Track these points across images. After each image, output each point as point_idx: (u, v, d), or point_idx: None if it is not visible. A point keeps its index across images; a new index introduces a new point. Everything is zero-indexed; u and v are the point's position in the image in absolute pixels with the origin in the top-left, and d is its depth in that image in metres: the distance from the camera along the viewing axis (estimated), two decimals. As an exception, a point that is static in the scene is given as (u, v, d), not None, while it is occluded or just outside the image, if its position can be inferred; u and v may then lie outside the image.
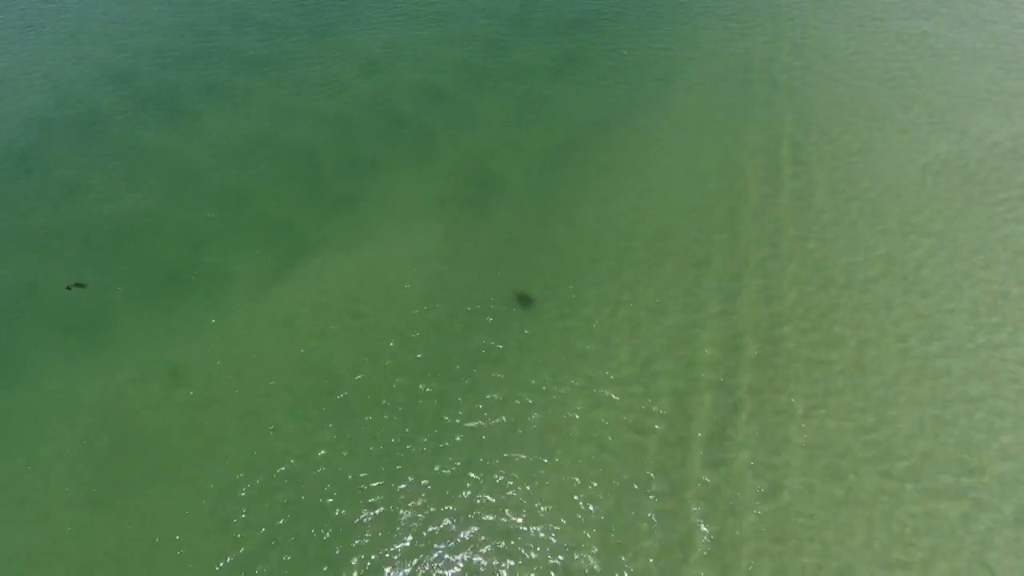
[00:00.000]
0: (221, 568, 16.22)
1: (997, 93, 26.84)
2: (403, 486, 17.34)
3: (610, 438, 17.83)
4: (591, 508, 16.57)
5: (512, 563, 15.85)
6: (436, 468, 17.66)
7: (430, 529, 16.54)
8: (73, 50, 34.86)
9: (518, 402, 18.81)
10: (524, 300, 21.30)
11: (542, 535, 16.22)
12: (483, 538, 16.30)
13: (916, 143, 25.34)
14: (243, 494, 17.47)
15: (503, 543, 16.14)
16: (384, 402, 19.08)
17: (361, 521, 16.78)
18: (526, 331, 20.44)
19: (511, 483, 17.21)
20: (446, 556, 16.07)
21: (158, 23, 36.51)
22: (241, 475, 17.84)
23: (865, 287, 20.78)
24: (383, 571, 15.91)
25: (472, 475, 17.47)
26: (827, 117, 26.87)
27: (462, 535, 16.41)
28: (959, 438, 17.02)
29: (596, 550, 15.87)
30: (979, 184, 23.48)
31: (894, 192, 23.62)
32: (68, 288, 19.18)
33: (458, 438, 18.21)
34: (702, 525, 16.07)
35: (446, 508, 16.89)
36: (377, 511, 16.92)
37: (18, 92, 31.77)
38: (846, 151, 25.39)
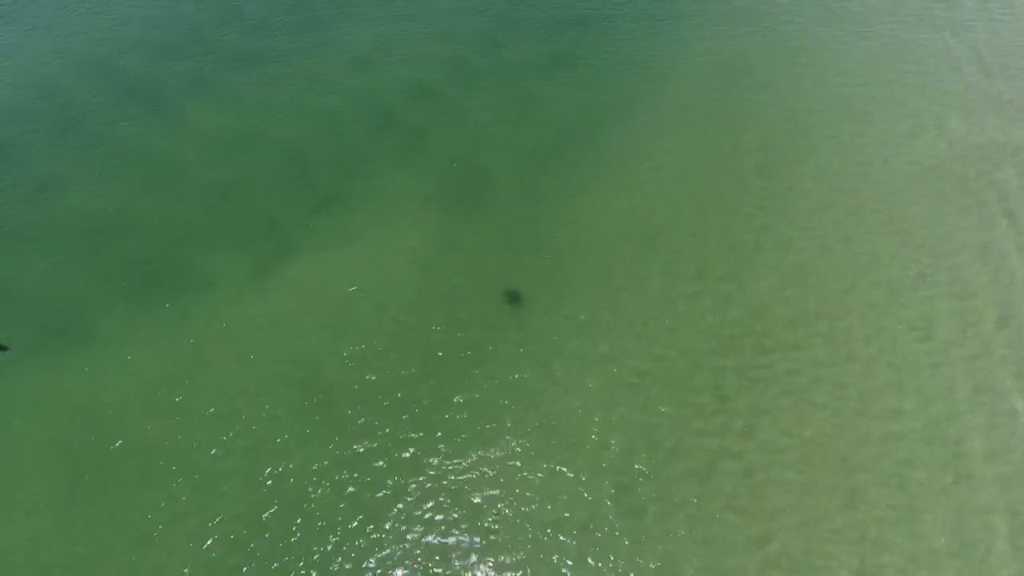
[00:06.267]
0: (195, 571, 15.87)
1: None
2: (386, 486, 17.07)
3: (594, 436, 17.72)
4: (570, 504, 16.50)
5: (491, 557, 15.72)
6: (421, 467, 17.41)
7: (415, 528, 16.28)
8: (51, 41, 34.00)
9: (506, 401, 18.60)
10: (513, 298, 21.15)
11: (522, 532, 16.11)
12: (468, 536, 16.10)
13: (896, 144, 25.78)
14: (223, 496, 17.08)
15: (484, 540, 15.99)
16: (370, 402, 18.77)
17: (344, 522, 16.48)
18: (515, 329, 20.24)
19: (496, 481, 17.02)
20: (430, 553, 15.84)
21: (140, 14, 35.73)
22: (221, 477, 17.44)
23: (851, 291, 21.06)
24: (364, 572, 15.70)
25: (460, 473, 17.25)
26: (813, 118, 27.16)
27: (450, 532, 16.18)
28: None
29: (573, 544, 15.86)
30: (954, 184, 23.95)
31: (875, 190, 23.95)
32: None
33: (446, 436, 17.97)
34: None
35: (431, 508, 16.65)
36: (360, 513, 16.64)
37: (-7, 84, 31.02)
38: (831, 151, 25.67)
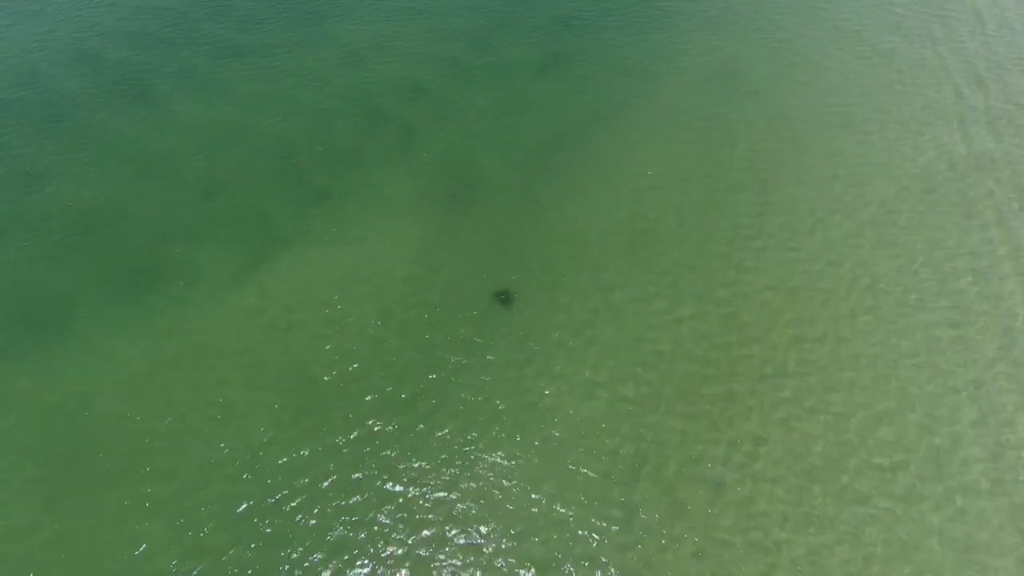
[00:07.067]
0: (177, 570, 15.56)
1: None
2: (377, 485, 16.91)
3: (584, 432, 17.66)
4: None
5: (480, 561, 15.61)
6: (414, 469, 17.28)
7: (404, 531, 16.14)
8: (36, 29, 33.30)
9: (496, 400, 18.49)
10: (504, 298, 21.02)
11: (514, 534, 15.98)
12: (462, 538, 15.98)
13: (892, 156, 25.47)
14: (207, 494, 16.85)
15: (477, 541, 15.89)
16: (358, 400, 18.61)
17: (328, 521, 16.30)
18: (505, 329, 20.13)
19: (487, 482, 16.88)
20: (421, 556, 15.69)
21: (129, 4, 35.08)
22: (206, 479, 17.19)
23: (831, 290, 20.89)
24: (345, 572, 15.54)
25: (448, 474, 17.14)
26: (810, 134, 26.76)
27: (441, 535, 16.06)
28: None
29: (561, 544, 15.70)
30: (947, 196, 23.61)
31: (873, 210, 23.59)
32: None
33: (434, 437, 17.83)
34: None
35: (423, 509, 16.51)
36: (349, 511, 16.48)
37: (-24, 72, 30.24)
38: (829, 169, 25.29)
